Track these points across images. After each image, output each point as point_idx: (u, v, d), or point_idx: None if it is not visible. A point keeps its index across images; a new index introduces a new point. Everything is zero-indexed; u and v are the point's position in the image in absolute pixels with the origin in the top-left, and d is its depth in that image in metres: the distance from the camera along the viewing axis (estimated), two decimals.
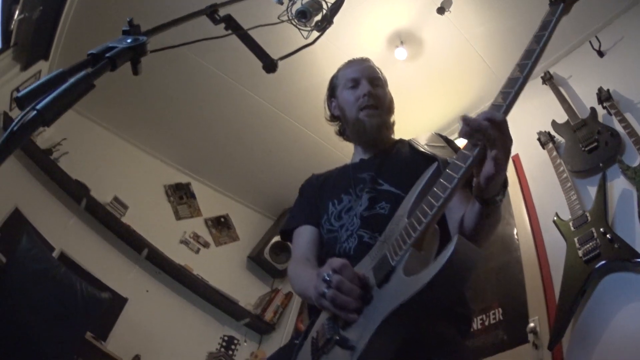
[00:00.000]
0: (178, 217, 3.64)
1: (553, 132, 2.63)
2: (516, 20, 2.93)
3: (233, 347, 2.99)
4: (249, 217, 4.13)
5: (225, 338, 3.02)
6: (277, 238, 3.82)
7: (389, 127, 1.59)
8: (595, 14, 2.72)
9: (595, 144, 2.29)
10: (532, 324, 2.02)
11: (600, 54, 2.63)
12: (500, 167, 0.90)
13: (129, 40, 0.84)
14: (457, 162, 0.94)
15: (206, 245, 3.68)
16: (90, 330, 2.53)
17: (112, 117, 3.53)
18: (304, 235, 1.48)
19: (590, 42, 2.70)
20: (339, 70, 1.70)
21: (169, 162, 3.78)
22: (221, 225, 3.86)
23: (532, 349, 1.95)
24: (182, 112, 3.45)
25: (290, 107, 3.40)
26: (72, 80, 0.71)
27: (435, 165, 1.19)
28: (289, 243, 1.59)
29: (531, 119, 2.85)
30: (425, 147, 1.48)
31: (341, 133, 1.70)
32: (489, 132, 0.88)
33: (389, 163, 1.49)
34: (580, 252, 1.97)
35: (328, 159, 3.55)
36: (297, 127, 3.50)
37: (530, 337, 1.98)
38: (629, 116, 2.20)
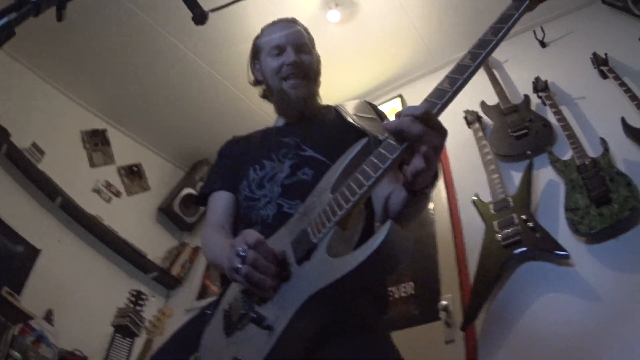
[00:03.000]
0: (92, 165, 3.37)
1: (481, 113, 2.61)
2: (466, 15, 2.89)
3: (141, 302, 2.78)
4: (161, 167, 3.90)
5: (134, 293, 2.80)
6: (187, 190, 3.65)
7: (315, 95, 1.51)
8: (548, 5, 2.70)
9: (525, 130, 2.30)
10: (444, 302, 2.02)
11: (543, 44, 2.64)
12: (430, 162, 0.85)
13: None
14: (391, 143, 0.87)
15: (118, 194, 3.44)
16: (6, 284, 2.37)
17: (38, 56, 3.17)
18: (220, 201, 1.40)
19: (534, 31, 2.71)
20: (263, 32, 1.57)
21: (87, 107, 3.49)
22: (133, 175, 3.61)
23: (444, 327, 1.95)
24: (106, 57, 3.16)
25: (215, 60, 3.18)
26: None
27: (365, 140, 1.12)
28: (203, 207, 1.50)
29: (460, 96, 2.82)
30: (354, 117, 1.41)
31: (265, 96, 1.60)
32: (411, 130, 0.82)
33: (314, 129, 1.42)
34: (499, 236, 1.98)
35: (247, 114, 3.46)
36: (220, 81, 3.29)
37: (442, 314, 1.98)
38: (564, 109, 2.23)
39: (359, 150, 1.10)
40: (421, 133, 0.82)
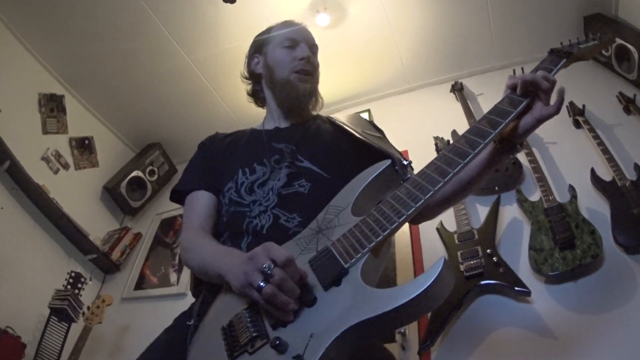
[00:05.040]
0: (45, 131, 3.14)
1: (452, 141, 2.66)
2: (445, 30, 2.94)
3: (80, 285, 2.60)
4: (113, 144, 3.71)
5: (73, 274, 2.62)
6: (136, 173, 3.51)
7: (317, 97, 1.49)
8: (530, 47, 2.82)
9: None
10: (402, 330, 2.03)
11: None
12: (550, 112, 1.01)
13: None
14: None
15: (66, 166, 3.22)
16: None
17: (8, 7, 2.97)
18: (200, 202, 1.32)
19: (514, 70, 2.77)
20: (271, 28, 1.55)
21: (49, 69, 3.26)
22: (84, 148, 3.41)
23: (400, 350, 1.96)
24: (76, 21, 2.96)
25: (190, 44, 3.06)
26: None
27: (388, 162, 1.13)
28: (176, 203, 1.42)
29: (431, 121, 2.89)
30: (363, 133, 1.39)
31: (253, 94, 1.57)
32: (545, 84, 1.00)
33: (310, 138, 1.38)
34: (462, 267, 2.01)
35: (209, 105, 3.42)
36: (189, 65, 3.17)
37: (398, 337, 1.99)
38: (535, 151, 2.31)
39: (380, 172, 1.10)
40: (549, 90, 1.00)
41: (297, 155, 1.30)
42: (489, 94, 2.88)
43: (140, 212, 3.59)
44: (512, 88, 1.06)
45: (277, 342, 0.81)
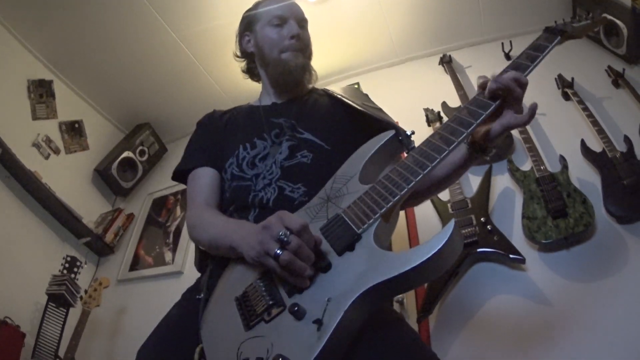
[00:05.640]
0: (35, 117, 3.09)
1: (442, 113, 2.68)
2: (433, 3, 2.93)
3: (76, 269, 2.59)
4: (102, 127, 3.66)
5: (68, 259, 2.60)
6: (126, 154, 3.48)
7: (311, 71, 1.48)
8: (521, 21, 2.85)
9: None
10: (399, 295, 2.09)
11: (508, 57, 2.76)
12: (519, 122, 1.01)
13: None
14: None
15: (57, 151, 3.18)
16: None
17: None
18: (204, 179, 1.33)
19: (502, 43, 2.83)
20: (259, 4, 1.53)
21: (37, 56, 3.19)
22: (74, 132, 3.36)
23: None
24: (62, 4, 2.88)
25: (177, 22, 3.00)
26: None
27: (392, 133, 1.16)
28: (179, 182, 1.43)
29: (421, 93, 2.91)
30: (363, 105, 1.39)
31: (248, 71, 1.57)
32: (516, 91, 0.99)
33: (308, 110, 1.40)
34: None
35: (198, 83, 3.38)
36: (177, 43, 3.11)
37: (397, 306, 2.04)
38: None
39: (386, 142, 1.14)
40: (520, 96, 1.00)
41: (296, 127, 1.31)
42: (477, 67, 2.91)
43: (132, 192, 3.57)
44: (482, 88, 1.05)
45: (295, 308, 0.83)
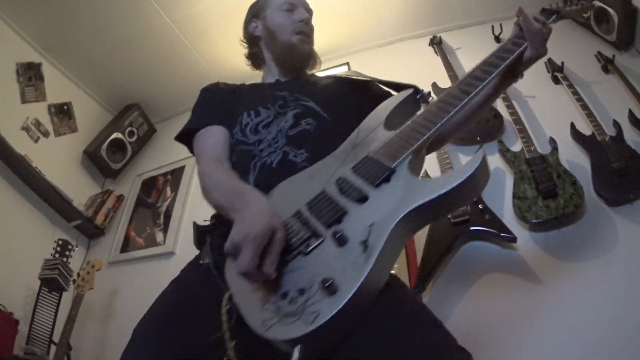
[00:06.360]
0: (24, 100, 3.03)
1: (432, 94, 2.70)
2: None
3: (68, 252, 2.57)
4: (91, 108, 3.60)
5: (60, 242, 2.58)
6: (115, 135, 3.44)
7: (315, 58, 1.54)
8: (512, 5, 2.82)
9: None
10: (392, 271, 2.12)
11: (498, 39, 2.79)
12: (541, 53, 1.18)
13: None
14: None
15: (46, 134, 3.13)
16: None
17: None
18: (218, 135, 1.30)
19: (492, 26, 2.85)
20: None
21: (26, 38, 3.12)
22: (63, 114, 3.30)
23: None
24: None
25: (167, 3, 2.96)
26: None
27: (411, 90, 1.28)
28: (182, 144, 1.39)
29: (411, 74, 2.90)
30: (365, 76, 1.49)
31: (251, 56, 1.60)
32: (543, 32, 1.15)
33: (311, 85, 1.44)
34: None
35: (188, 63, 3.34)
36: (166, 23, 3.07)
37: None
38: (515, 104, 2.39)
39: (406, 97, 1.25)
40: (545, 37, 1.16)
41: (301, 97, 1.34)
42: (467, 49, 2.94)
43: (121, 174, 3.55)
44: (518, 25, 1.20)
45: (339, 234, 0.83)
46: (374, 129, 1.13)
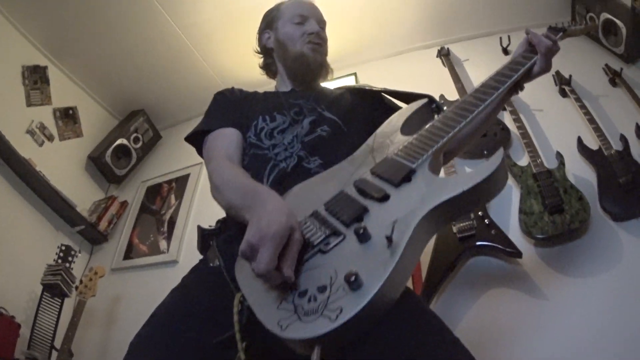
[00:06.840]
0: (29, 104, 3.04)
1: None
2: (435, 9, 2.97)
3: (70, 258, 2.57)
4: (96, 113, 3.62)
5: (63, 248, 2.58)
6: (120, 141, 3.45)
7: (327, 68, 1.55)
8: (519, 16, 2.87)
9: None
10: None
11: (506, 52, 2.78)
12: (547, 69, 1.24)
13: None
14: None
15: (51, 138, 3.14)
16: None
17: None
18: (229, 137, 1.30)
19: (500, 37, 2.84)
20: (281, 4, 1.60)
21: (32, 41, 3.13)
22: (68, 118, 3.32)
23: None
24: None
25: (174, 7, 2.96)
26: None
27: (425, 100, 1.31)
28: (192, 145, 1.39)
29: (418, 86, 2.85)
30: (385, 89, 1.52)
31: (265, 67, 1.61)
32: (553, 49, 1.21)
33: (326, 95, 1.46)
34: (454, 229, 2.08)
35: (194, 69, 3.34)
36: (174, 29, 3.07)
37: None
38: (522, 118, 2.38)
39: (422, 106, 1.29)
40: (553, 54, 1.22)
41: (318, 107, 1.36)
42: (474, 60, 2.92)
43: (125, 180, 3.54)
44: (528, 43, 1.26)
45: (362, 230, 0.81)
46: (391, 135, 1.16)
